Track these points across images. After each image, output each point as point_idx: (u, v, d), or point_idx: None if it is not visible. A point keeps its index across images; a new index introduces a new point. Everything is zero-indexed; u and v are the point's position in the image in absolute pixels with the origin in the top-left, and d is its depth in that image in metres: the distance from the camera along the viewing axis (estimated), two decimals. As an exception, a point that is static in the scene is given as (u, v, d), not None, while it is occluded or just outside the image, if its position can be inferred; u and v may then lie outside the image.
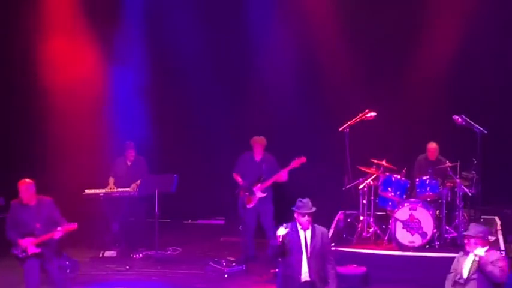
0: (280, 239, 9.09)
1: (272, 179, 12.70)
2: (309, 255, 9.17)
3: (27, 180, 10.40)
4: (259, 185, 12.75)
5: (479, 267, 9.01)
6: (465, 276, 9.13)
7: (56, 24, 14.69)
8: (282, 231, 9.12)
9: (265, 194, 12.76)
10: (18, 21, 14.68)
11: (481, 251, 9.07)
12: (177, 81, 15.06)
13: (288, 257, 9.20)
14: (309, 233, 9.23)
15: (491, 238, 12.58)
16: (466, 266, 9.19)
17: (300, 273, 9.18)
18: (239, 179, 12.93)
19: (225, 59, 14.98)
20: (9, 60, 14.90)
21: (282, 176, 12.68)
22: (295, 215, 9.26)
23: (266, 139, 12.93)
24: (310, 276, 9.18)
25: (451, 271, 9.38)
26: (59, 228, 10.33)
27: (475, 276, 9.05)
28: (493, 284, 9.04)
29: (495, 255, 9.24)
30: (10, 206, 10.55)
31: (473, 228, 9.35)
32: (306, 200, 9.27)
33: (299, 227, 9.24)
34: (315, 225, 9.32)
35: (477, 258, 9.03)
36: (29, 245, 10.27)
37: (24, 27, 14.67)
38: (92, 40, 14.75)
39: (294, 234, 9.19)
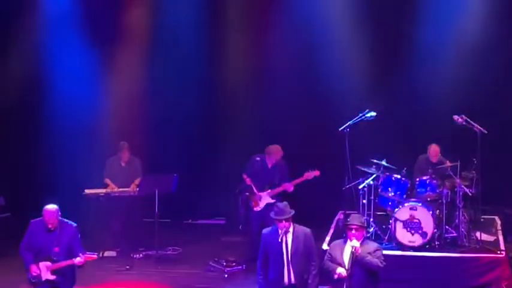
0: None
1: (281, 188, 12.72)
2: (290, 259, 9.10)
3: (53, 206, 9.83)
4: (269, 190, 12.76)
5: (357, 259, 8.92)
6: (346, 267, 9.00)
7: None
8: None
9: (273, 201, 12.74)
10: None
11: (356, 242, 9.01)
12: (178, 81, 15.04)
13: (270, 261, 9.18)
14: (290, 236, 9.15)
15: (491, 238, 12.66)
16: (345, 256, 9.07)
17: (282, 277, 9.13)
18: (248, 181, 12.90)
19: (224, 58, 14.97)
20: (7, 59, 14.94)
21: (289, 187, 12.71)
22: (275, 221, 9.19)
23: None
24: (292, 279, 9.13)
25: (326, 258, 9.22)
26: (80, 255, 9.78)
27: (352, 267, 8.94)
28: (370, 272, 8.98)
29: (373, 245, 9.22)
30: (30, 225, 10.00)
31: (356, 219, 9.29)
32: (283, 205, 9.22)
33: (280, 231, 9.17)
34: (298, 226, 9.25)
35: (353, 250, 8.95)
36: (44, 270, 9.76)
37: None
38: (91, 41, 14.77)
39: (275, 238, 9.13)
